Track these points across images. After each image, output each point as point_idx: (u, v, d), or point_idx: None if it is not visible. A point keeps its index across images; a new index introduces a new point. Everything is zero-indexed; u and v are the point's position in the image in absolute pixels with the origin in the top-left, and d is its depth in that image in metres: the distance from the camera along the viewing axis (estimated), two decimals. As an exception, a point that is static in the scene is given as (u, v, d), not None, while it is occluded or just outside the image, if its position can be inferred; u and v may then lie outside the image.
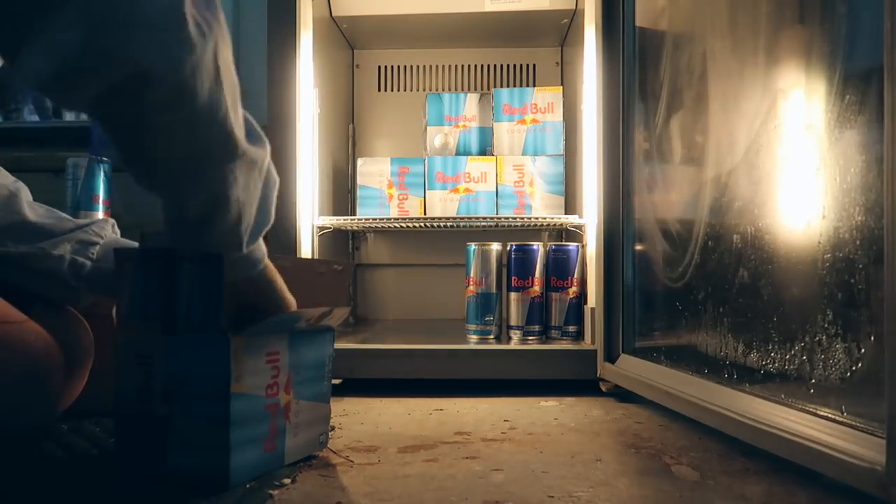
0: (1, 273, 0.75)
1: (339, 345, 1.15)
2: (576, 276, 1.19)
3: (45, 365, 0.72)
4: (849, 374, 0.63)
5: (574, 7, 1.31)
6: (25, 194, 0.79)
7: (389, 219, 1.28)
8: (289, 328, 0.72)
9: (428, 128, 1.36)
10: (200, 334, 0.65)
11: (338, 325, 0.79)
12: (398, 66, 1.59)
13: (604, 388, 1.09)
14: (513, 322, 1.19)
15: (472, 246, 1.20)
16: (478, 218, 1.27)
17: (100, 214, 1.08)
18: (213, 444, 0.64)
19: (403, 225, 1.33)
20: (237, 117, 0.58)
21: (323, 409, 0.78)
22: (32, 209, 0.78)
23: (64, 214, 0.80)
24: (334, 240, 1.40)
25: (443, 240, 1.21)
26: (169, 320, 0.66)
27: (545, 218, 1.25)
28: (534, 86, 1.50)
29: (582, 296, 1.19)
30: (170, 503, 0.63)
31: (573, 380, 1.11)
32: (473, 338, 1.20)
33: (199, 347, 0.65)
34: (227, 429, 0.64)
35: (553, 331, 1.20)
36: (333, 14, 1.37)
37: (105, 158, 1.09)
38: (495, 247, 1.20)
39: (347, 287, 0.81)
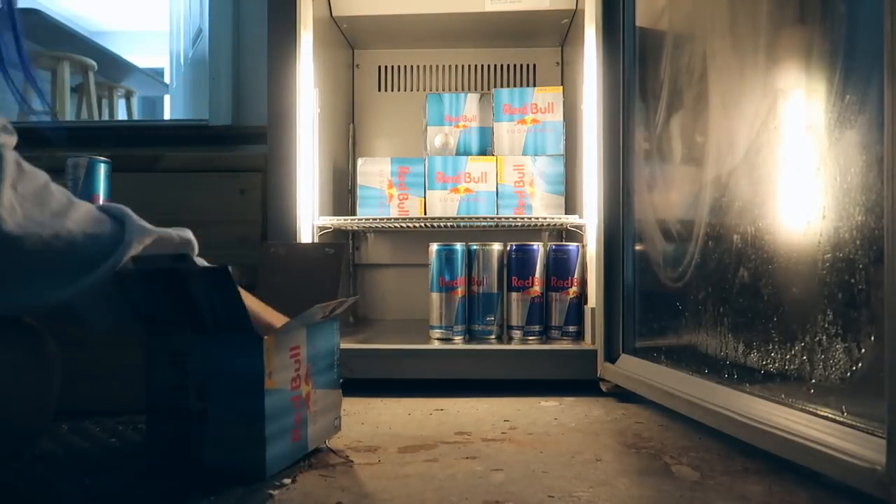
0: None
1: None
2: (576, 276, 1.19)
3: (47, 364, 0.72)
4: (849, 374, 0.63)
5: (574, 7, 1.31)
6: None
7: (389, 219, 1.28)
8: (308, 322, 0.74)
9: (428, 128, 1.36)
10: (234, 335, 0.67)
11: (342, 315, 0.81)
12: (398, 66, 1.59)
13: (604, 388, 1.09)
14: (513, 322, 1.19)
15: (473, 246, 1.20)
16: (478, 218, 1.27)
17: (100, 214, 1.07)
18: (250, 439, 0.67)
19: (403, 225, 1.33)
20: None
21: (335, 396, 0.81)
22: None
23: None
24: (334, 240, 1.40)
25: (443, 240, 1.21)
26: (197, 322, 0.68)
27: (545, 218, 1.25)
28: (534, 86, 1.50)
29: (582, 296, 1.19)
30: (169, 501, 0.63)
31: (573, 380, 1.11)
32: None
33: (233, 347, 0.68)
34: (263, 424, 0.67)
35: (553, 331, 1.20)
36: (333, 14, 1.37)
37: (105, 158, 1.09)
38: (496, 247, 1.20)
39: (341, 270, 0.82)
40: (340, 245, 0.84)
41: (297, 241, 1.15)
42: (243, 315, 0.66)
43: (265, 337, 0.67)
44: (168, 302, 0.68)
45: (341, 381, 0.83)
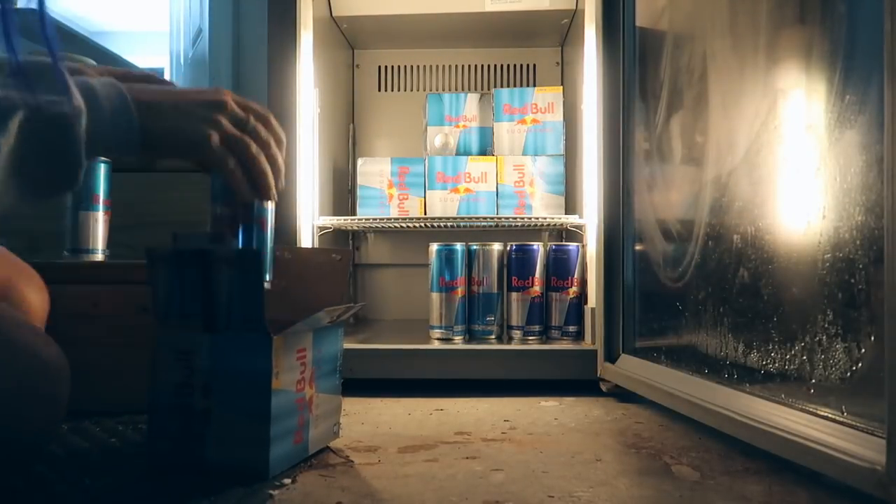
0: None
1: (339, 345, 1.16)
2: (576, 276, 1.19)
3: (55, 370, 0.71)
4: (849, 374, 0.63)
5: (574, 7, 1.31)
6: None
7: (389, 219, 1.28)
8: (316, 325, 0.74)
9: (428, 128, 1.36)
10: (244, 334, 0.67)
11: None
12: (398, 66, 1.59)
13: (604, 388, 1.09)
14: (513, 322, 1.19)
15: (473, 246, 1.20)
16: (478, 218, 1.27)
17: (100, 214, 1.07)
18: (254, 439, 0.67)
19: (403, 225, 1.33)
20: None
21: (336, 401, 0.81)
22: None
23: None
24: (335, 240, 1.40)
25: (443, 240, 1.21)
26: (210, 318, 0.68)
27: (545, 218, 1.25)
28: (534, 86, 1.50)
29: (582, 296, 1.19)
30: (169, 501, 0.63)
31: (573, 380, 1.11)
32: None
33: (242, 346, 0.68)
34: (268, 424, 0.67)
35: (553, 331, 1.20)
36: (333, 14, 1.37)
37: (105, 158, 1.08)
38: (496, 247, 1.20)
39: (347, 277, 0.83)
40: (347, 252, 0.85)
41: (297, 241, 1.15)
42: (259, 311, 0.66)
43: (274, 337, 0.67)
44: (186, 292, 0.68)
45: (341, 381, 0.83)
